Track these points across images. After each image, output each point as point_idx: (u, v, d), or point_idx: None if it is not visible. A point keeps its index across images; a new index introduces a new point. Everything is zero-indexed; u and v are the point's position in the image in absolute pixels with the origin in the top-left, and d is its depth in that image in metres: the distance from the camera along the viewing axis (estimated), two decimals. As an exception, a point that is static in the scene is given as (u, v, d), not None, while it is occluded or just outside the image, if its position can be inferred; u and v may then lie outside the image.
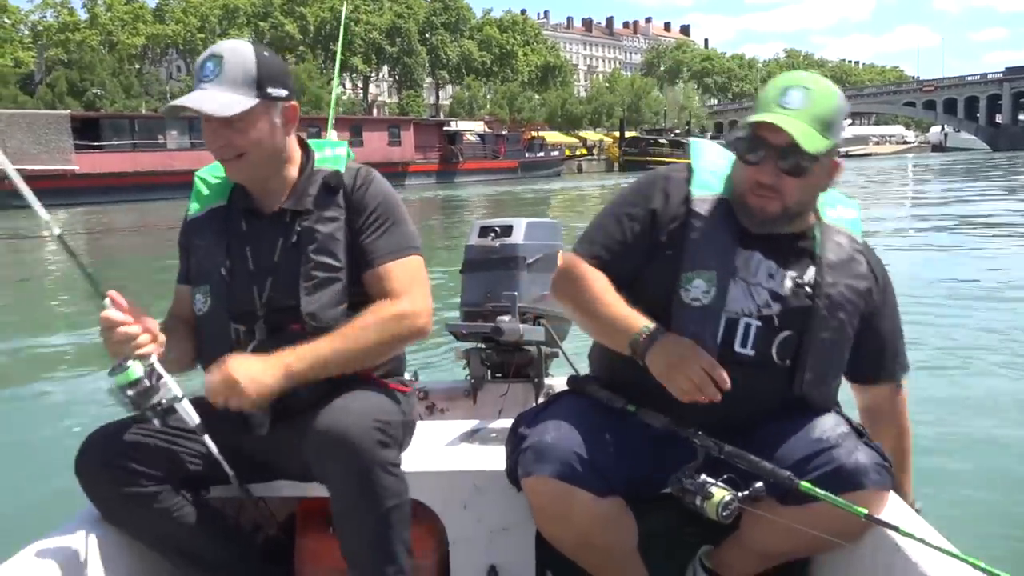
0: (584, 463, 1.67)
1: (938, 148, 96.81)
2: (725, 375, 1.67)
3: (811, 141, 1.65)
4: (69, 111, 37.19)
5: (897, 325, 1.92)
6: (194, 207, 2.00)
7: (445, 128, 51.81)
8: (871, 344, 1.87)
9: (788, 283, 1.78)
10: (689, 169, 1.86)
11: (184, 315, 1.98)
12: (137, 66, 66.83)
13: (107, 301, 1.72)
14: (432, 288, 1.95)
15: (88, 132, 34.30)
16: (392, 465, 1.74)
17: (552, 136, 66.84)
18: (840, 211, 1.89)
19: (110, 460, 1.76)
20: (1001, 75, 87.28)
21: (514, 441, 1.82)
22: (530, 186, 42.25)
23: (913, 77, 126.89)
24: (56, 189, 28.02)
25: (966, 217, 16.17)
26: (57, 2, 63.83)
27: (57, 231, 1.75)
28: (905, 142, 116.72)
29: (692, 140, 1.99)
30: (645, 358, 1.70)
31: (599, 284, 1.79)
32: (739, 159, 1.76)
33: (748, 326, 1.75)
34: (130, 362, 1.69)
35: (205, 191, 2.00)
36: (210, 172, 2.01)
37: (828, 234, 1.84)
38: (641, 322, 1.73)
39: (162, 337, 1.76)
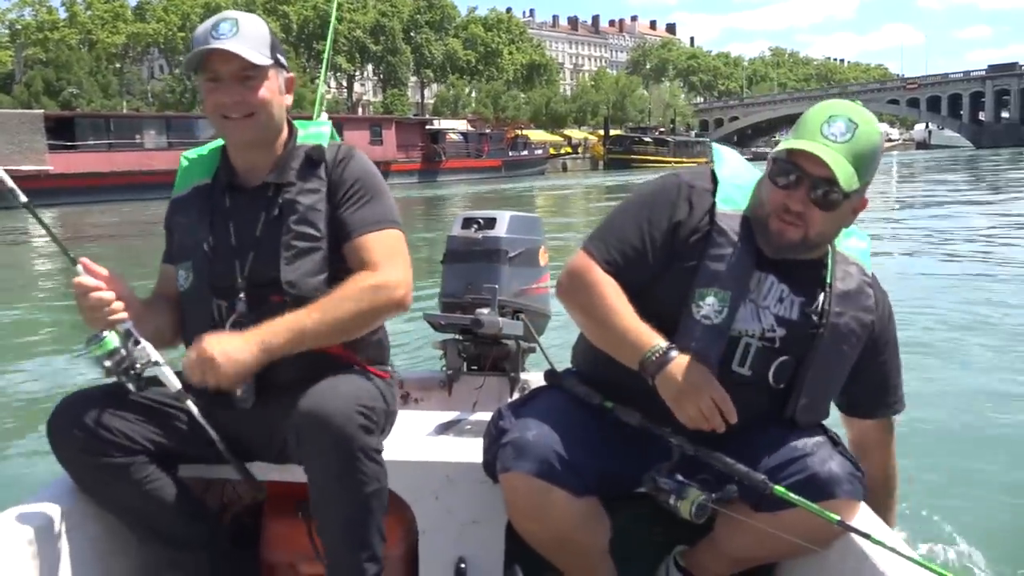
0: (563, 462, 1.67)
1: (922, 145, 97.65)
2: (733, 409, 1.67)
3: (848, 178, 1.64)
4: (43, 111, 36.55)
5: (896, 363, 1.91)
6: (180, 186, 2.02)
7: (428, 127, 51.38)
8: (869, 379, 1.88)
9: (796, 309, 1.78)
10: (713, 178, 1.83)
11: (168, 293, 1.99)
12: (118, 65, 66.20)
13: (79, 267, 1.74)
14: (411, 278, 1.92)
15: (63, 132, 33.63)
16: (374, 451, 1.74)
17: (536, 135, 66.68)
18: (853, 242, 1.88)
19: (83, 425, 1.75)
20: (984, 73, 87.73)
21: (493, 434, 1.81)
22: (513, 184, 42.18)
23: (897, 75, 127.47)
24: (29, 190, 26.87)
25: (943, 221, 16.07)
26: (36, 0, 63.11)
27: (23, 199, 1.74)
28: (890, 139, 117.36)
29: (714, 146, 1.94)
30: (655, 378, 1.69)
31: (612, 293, 1.76)
32: (769, 180, 1.72)
33: (748, 346, 1.75)
34: (105, 333, 1.72)
35: (190, 168, 2.04)
36: (196, 152, 2.05)
37: (840, 264, 1.83)
38: (654, 340, 1.71)
39: (137, 304, 1.79)
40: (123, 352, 1.73)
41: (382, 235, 1.90)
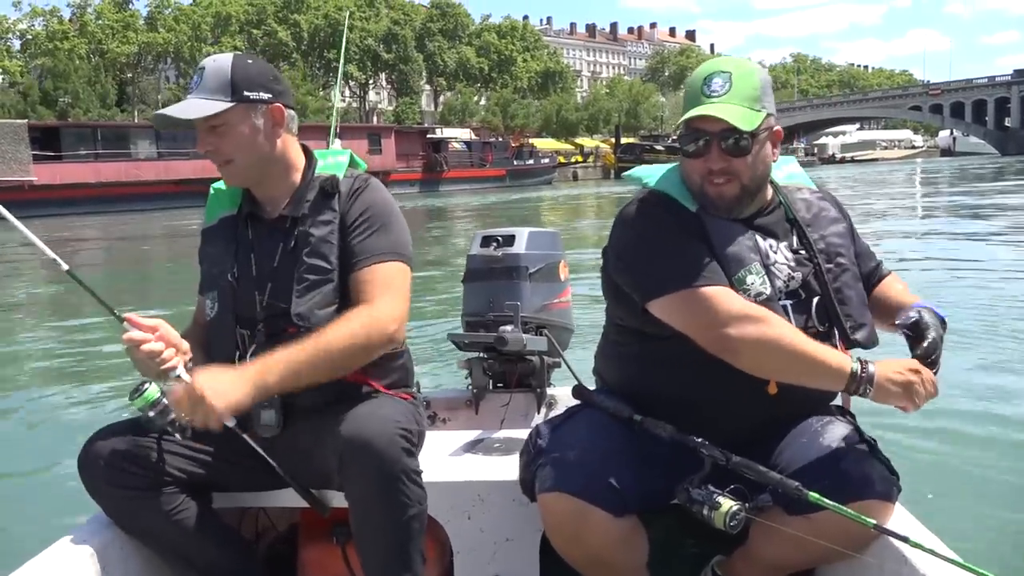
0: (604, 482, 1.67)
1: (947, 152, 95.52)
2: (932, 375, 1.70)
3: (745, 120, 1.70)
4: (27, 121, 36.22)
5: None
6: (208, 217, 2.06)
7: (429, 136, 50.63)
8: (862, 262, 1.95)
9: (789, 254, 1.83)
10: (658, 193, 1.85)
11: (204, 323, 2.01)
12: (130, 74, 66.21)
13: (126, 324, 1.73)
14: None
15: (48, 142, 33.26)
16: (415, 473, 1.76)
17: (546, 143, 65.93)
18: (786, 170, 1.96)
19: (111, 458, 1.78)
20: (1009, 78, 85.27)
21: (531, 453, 1.81)
22: (516, 195, 41.22)
23: (922, 81, 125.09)
24: (11, 202, 26.79)
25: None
26: (46, 11, 63.33)
27: (65, 267, 1.74)
28: (913, 147, 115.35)
29: (631, 173, 1.98)
30: (872, 386, 1.66)
31: (782, 321, 1.72)
32: (685, 156, 1.79)
33: (785, 308, 1.77)
34: (147, 385, 1.77)
35: (218, 201, 2.06)
36: (223, 182, 2.05)
37: (791, 196, 1.91)
38: (843, 356, 1.70)
39: (185, 344, 1.78)
40: (164, 401, 1.75)
41: (383, 267, 1.89)
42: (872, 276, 1.99)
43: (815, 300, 1.80)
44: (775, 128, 1.80)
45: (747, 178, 1.75)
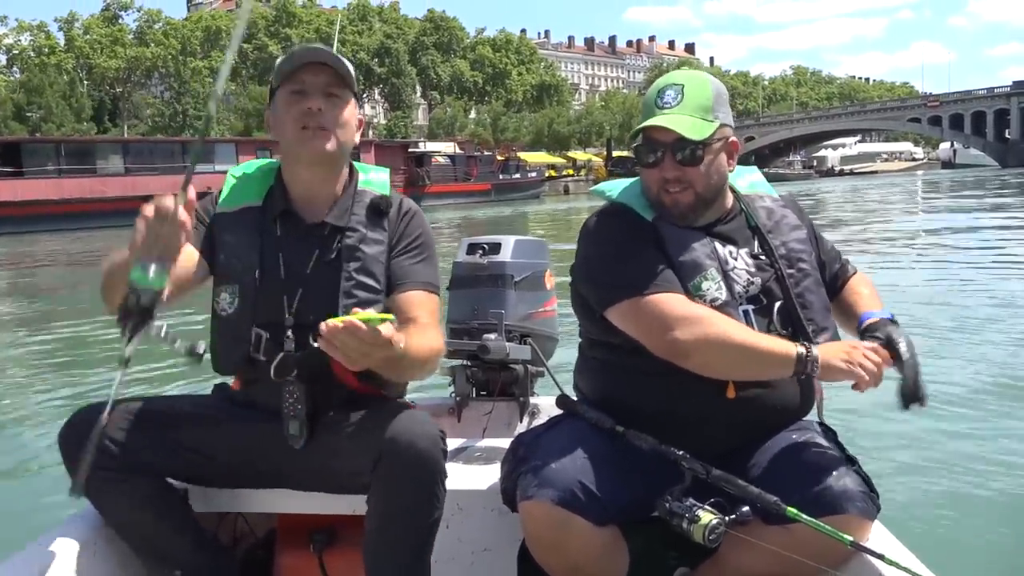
0: (585, 491, 1.66)
1: (947, 165, 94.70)
2: (880, 349, 1.71)
3: (695, 130, 1.76)
4: (-16, 137, 35.44)
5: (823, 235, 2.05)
6: (226, 200, 1.95)
7: (411, 149, 49.75)
8: (827, 266, 1.98)
9: (749, 260, 1.85)
10: (617, 204, 1.90)
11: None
12: (120, 89, 65.78)
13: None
14: None
15: (9, 158, 32.38)
16: (445, 477, 1.77)
17: (537, 156, 64.99)
18: (748, 179, 1.99)
19: (92, 437, 1.65)
20: (1008, 89, 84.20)
21: (513, 462, 1.82)
22: (499, 210, 40.49)
23: (922, 93, 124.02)
24: None
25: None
26: (33, 25, 62.87)
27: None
28: (914, 159, 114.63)
29: (597, 187, 2.02)
30: (818, 365, 1.68)
31: (724, 319, 1.74)
32: (641, 166, 1.85)
33: (746, 312, 1.80)
34: (152, 266, 1.46)
35: (240, 186, 1.98)
36: (242, 169, 2.01)
37: (752, 204, 1.93)
38: (787, 343, 1.72)
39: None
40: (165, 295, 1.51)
41: (431, 297, 1.90)
42: (837, 278, 2.01)
43: (777, 305, 1.82)
44: (730, 139, 1.85)
45: (701, 187, 1.79)
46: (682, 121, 1.74)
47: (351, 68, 1.88)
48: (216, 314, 1.91)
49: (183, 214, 1.44)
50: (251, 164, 2.00)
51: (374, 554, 1.77)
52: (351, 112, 1.88)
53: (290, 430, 1.81)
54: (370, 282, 1.86)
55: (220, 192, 1.97)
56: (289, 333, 1.83)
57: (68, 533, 1.81)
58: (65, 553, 1.76)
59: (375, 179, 1.97)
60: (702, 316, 1.71)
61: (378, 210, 1.90)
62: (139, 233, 1.43)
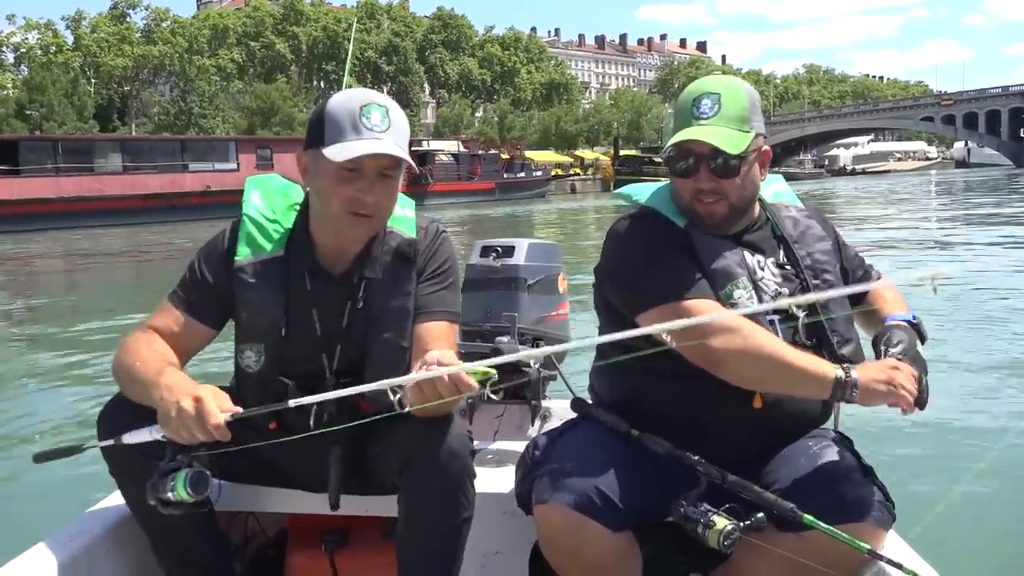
0: (601, 495, 1.66)
1: (962, 164, 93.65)
2: (914, 372, 1.70)
3: (732, 143, 1.74)
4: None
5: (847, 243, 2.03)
6: (244, 251, 1.85)
7: (413, 148, 49.36)
8: (851, 273, 1.97)
9: (776, 269, 1.85)
10: (647, 209, 1.88)
11: (178, 346, 1.82)
12: (128, 88, 65.81)
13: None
14: None
15: (6, 156, 32.15)
16: (474, 477, 1.78)
17: (543, 155, 64.48)
18: (773, 188, 1.99)
19: (136, 415, 1.67)
20: (1023, 87, 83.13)
21: (528, 465, 1.81)
22: (502, 210, 40.15)
23: (937, 92, 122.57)
24: None
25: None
26: (41, 23, 62.93)
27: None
28: (927, 158, 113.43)
29: (622, 191, 2.01)
30: (857, 389, 1.65)
31: (762, 331, 1.73)
32: (674, 175, 1.82)
33: (773, 322, 1.78)
34: (175, 471, 1.63)
35: (258, 235, 1.86)
36: (261, 213, 1.87)
37: (778, 213, 1.93)
38: (826, 363, 1.70)
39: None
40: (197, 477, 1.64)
41: (453, 328, 1.88)
42: (864, 279, 2.00)
43: (801, 315, 1.79)
44: (764, 148, 1.82)
45: (735, 198, 1.79)
46: (721, 134, 1.72)
47: (407, 138, 1.76)
48: (241, 369, 1.87)
49: (216, 433, 1.53)
50: (266, 198, 1.87)
51: (407, 554, 1.78)
52: (399, 183, 1.80)
53: (331, 500, 1.84)
54: (400, 342, 1.83)
55: (232, 235, 1.86)
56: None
57: (82, 529, 1.86)
58: (79, 549, 1.80)
59: (401, 218, 1.88)
60: (740, 326, 1.68)
61: (405, 257, 1.85)
62: (178, 420, 1.53)
